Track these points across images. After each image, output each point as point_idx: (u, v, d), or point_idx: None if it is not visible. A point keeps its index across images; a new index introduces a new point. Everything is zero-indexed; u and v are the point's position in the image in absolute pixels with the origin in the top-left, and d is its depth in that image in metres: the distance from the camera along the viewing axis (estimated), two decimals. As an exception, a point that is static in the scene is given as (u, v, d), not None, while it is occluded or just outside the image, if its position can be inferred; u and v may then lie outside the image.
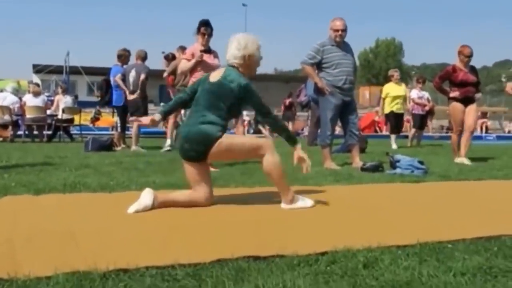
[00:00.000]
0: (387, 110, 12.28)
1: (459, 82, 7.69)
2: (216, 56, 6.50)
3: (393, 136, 12.20)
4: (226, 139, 3.58)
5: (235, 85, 3.59)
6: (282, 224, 3.13)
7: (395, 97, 12.08)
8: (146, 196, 3.44)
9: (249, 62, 3.74)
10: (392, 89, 12.18)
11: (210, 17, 6.55)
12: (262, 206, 3.67)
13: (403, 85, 12.68)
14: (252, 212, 3.46)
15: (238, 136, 3.72)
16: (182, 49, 9.51)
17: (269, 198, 3.91)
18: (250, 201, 3.82)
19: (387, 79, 12.89)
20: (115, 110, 10.58)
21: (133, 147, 9.40)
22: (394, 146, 11.63)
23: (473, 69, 7.90)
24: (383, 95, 12.36)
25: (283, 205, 3.62)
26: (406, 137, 14.18)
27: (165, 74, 9.61)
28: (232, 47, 3.72)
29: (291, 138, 3.84)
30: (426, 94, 12.96)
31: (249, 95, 3.64)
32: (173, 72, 9.32)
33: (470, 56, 7.72)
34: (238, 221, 3.17)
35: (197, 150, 3.56)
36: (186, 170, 3.70)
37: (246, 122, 19.20)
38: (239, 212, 3.46)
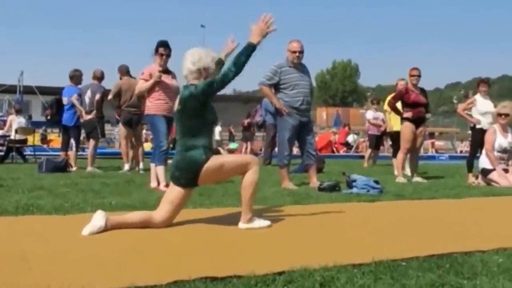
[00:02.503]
0: (396, 127, 9.60)
1: (412, 103, 7.98)
2: (174, 77, 6.49)
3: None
4: (214, 161, 3.61)
5: (188, 93, 3.62)
6: (239, 244, 3.14)
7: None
8: (99, 218, 3.40)
9: (206, 74, 3.73)
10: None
11: (168, 38, 6.56)
12: (220, 227, 3.67)
13: None
14: (209, 233, 3.45)
15: (223, 156, 3.73)
16: (123, 68, 9.49)
17: (227, 219, 3.90)
18: (208, 222, 3.81)
19: (394, 89, 10.07)
20: (64, 130, 10.34)
21: (89, 168, 9.24)
22: (406, 170, 9.26)
23: (423, 91, 8.25)
24: (386, 108, 9.76)
25: (240, 224, 3.64)
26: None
27: (110, 97, 9.45)
28: (187, 62, 3.74)
29: (250, 45, 3.69)
30: (381, 115, 13.22)
31: (206, 90, 3.62)
32: (118, 94, 9.23)
33: (418, 75, 8.06)
34: (195, 241, 3.15)
35: (187, 177, 3.61)
36: (169, 189, 3.74)
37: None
38: (196, 233, 3.44)
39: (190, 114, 3.65)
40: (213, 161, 3.61)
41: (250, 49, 3.68)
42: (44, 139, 20.40)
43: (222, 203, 4.92)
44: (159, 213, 3.62)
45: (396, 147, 9.67)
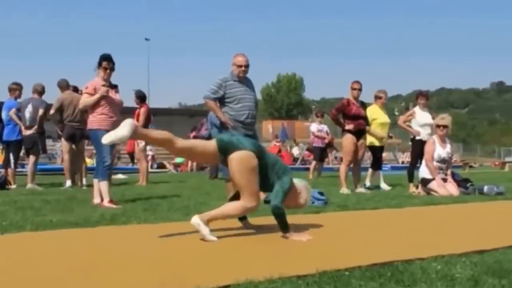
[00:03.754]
0: (372, 140, 9.14)
1: (352, 115, 8.19)
2: (117, 91, 6.40)
3: (369, 171, 9.59)
4: (253, 161, 3.72)
5: (280, 166, 3.92)
6: (184, 258, 3.11)
7: (382, 125, 9.28)
8: (125, 128, 3.48)
9: (294, 191, 4.00)
10: (379, 114, 9.22)
11: (112, 51, 6.48)
12: (164, 242, 3.63)
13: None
14: (153, 248, 3.41)
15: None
16: (63, 82, 9.30)
17: (171, 233, 3.87)
18: (152, 237, 3.77)
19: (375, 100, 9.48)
20: (6, 146, 10.00)
21: (29, 185, 8.96)
22: (368, 183, 9.29)
23: (363, 104, 8.46)
24: (370, 122, 8.94)
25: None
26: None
27: (52, 111, 9.23)
28: (303, 183, 4.14)
29: (284, 227, 3.84)
30: (325, 127, 13.50)
31: (285, 187, 3.85)
32: (60, 108, 9.05)
33: (359, 89, 8.27)
34: (139, 257, 3.10)
35: (224, 147, 3.77)
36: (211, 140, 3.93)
37: (150, 157, 18.93)
38: (139, 249, 3.39)
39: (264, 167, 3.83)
40: (252, 160, 3.72)
41: (278, 218, 3.82)
42: None
43: (168, 218, 4.87)
44: (182, 141, 3.82)
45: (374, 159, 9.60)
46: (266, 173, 3.84)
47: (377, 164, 9.61)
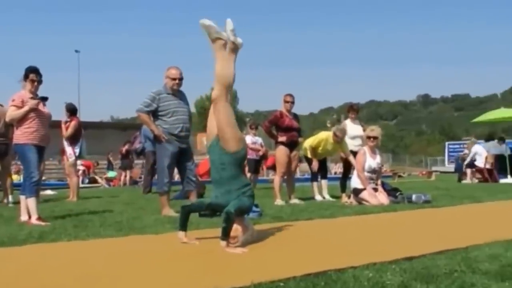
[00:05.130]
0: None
1: (285, 127, 8.32)
2: (45, 104, 6.18)
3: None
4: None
5: (250, 189, 4.43)
6: (116, 275, 3.03)
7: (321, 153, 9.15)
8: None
9: (243, 222, 4.06)
10: (326, 145, 8.95)
11: (41, 63, 6.27)
12: (95, 259, 3.54)
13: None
14: (84, 266, 3.31)
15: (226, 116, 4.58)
16: None
17: (103, 250, 3.77)
18: (82, 255, 3.66)
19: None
20: None
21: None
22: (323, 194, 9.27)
23: (295, 116, 8.62)
24: (313, 144, 9.02)
25: None
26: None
27: None
28: (252, 228, 4.19)
29: (226, 234, 3.86)
30: (259, 140, 13.59)
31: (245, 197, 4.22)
32: None
33: (292, 102, 8.40)
34: (68, 276, 3.00)
35: None
36: None
37: (80, 172, 18.42)
38: (69, 267, 3.28)
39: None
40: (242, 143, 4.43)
41: (226, 223, 3.84)
42: None
43: (100, 234, 4.74)
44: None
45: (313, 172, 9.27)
46: (236, 173, 4.31)
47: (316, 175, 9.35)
